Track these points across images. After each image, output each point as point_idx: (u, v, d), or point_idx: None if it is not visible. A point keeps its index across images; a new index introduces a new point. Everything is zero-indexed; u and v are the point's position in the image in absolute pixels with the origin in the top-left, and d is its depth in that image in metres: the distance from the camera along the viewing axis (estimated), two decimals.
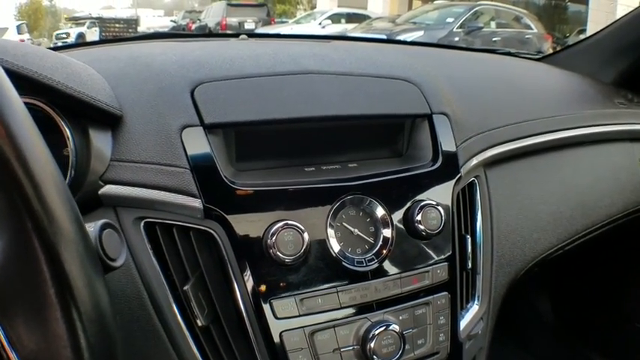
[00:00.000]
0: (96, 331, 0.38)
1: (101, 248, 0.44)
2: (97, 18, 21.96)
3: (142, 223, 0.69)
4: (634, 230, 1.26)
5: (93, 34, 19.58)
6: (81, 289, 0.37)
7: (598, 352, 1.51)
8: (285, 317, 0.69)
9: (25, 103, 0.65)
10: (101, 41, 1.35)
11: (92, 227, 0.44)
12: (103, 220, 0.46)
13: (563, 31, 13.63)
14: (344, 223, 0.74)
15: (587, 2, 11.82)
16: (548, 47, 9.41)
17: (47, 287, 0.36)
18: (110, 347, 0.40)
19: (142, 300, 0.68)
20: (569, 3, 14.49)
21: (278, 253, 0.67)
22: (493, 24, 9.90)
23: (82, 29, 20.36)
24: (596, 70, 1.31)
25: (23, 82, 0.59)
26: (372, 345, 0.71)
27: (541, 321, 1.65)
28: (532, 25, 10.09)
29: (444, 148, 0.83)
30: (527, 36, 9.75)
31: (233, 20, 14.99)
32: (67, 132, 0.66)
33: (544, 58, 1.46)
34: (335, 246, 0.72)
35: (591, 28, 9.94)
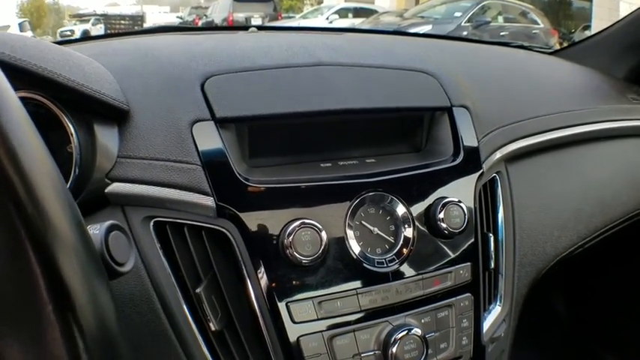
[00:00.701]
0: (101, 352, 0.34)
1: (107, 252, 0.40)
2: (101, 15, 21.98)
3: (152, 223, 0.66)
4: None
5: (98, 32, 19.60)
6: (84, 306, 0.33)
7: (612, 351, 1.48)
8: (302, 321, 0.66)
9: (25, 98, 0.63)
10: (106, 35, 1.32)
11: (98, 230, 0.41)
12: (109, 222, 0.42)
13: (569, 27, 13.58)
14: (363, 222, 0.71)
15: None
16: (554, 42, 9.35)
17: (44, 304, 0.31)
18: None
19: (152, 303, 0.65)
20: None
21: (295, 253, 0.64)
22: (500, 18, 9.84)
23: (87, 26, 20.38)
24: (608, 66, 1.30)
25: (22, 75, 0.56)
26: (394, 350, 0.67)
27: (556, 320, 1.62)
28: (538, 20, 10.04)
29: (465, 143, 0.80)
30: (534, 31, 9.69)
31: (240, 16, 14.92)
32: (71, 127, 0.63)
33: (555, 53, 1.45)
34: (355, 246, 0.69)
35: (596, 24, 9.93)
